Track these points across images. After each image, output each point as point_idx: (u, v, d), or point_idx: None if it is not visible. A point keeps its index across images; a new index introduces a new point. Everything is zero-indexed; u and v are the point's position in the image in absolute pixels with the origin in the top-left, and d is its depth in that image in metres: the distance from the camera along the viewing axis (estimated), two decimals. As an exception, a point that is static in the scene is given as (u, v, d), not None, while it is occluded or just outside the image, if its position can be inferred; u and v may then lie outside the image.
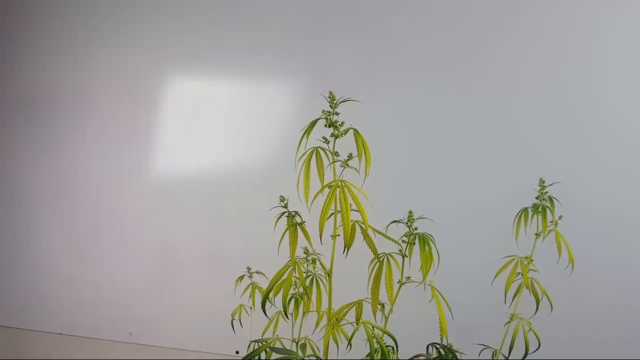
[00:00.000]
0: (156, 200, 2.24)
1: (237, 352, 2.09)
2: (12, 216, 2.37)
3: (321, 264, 1.27)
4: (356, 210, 1.10)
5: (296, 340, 1.31)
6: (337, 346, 1.16)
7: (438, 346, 1.33)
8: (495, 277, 1.21)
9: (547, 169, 1.82)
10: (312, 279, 1.26)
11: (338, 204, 1.00)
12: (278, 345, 1.37)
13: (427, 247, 1.01)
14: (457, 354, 1.34)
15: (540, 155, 1.94)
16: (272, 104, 2.12)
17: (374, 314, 1.05)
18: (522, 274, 1.18)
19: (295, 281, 1.31)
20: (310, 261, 1.19)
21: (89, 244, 2.32)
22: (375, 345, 1.03)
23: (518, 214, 1.23)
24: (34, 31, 2.30)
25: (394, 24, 2.04)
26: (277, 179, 1.90)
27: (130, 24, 2.23)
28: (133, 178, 2.25)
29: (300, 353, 1.18)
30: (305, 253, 1.31)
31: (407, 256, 1.06)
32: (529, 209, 1.22)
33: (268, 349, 1.21)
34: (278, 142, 2.09)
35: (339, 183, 0.97)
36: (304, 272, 1.29)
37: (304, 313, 1.31)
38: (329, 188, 0.97)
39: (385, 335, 1.10)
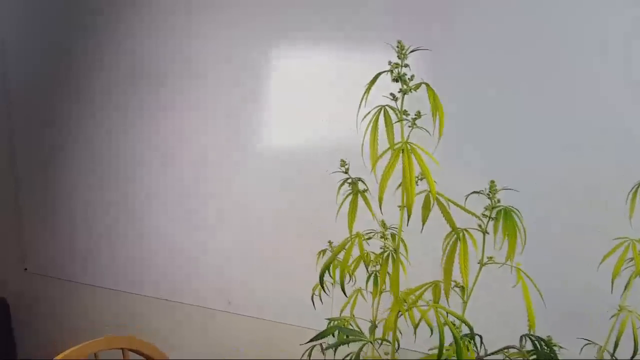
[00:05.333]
0: (260, 169, 2.20)
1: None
2: (123, 183, 2.47)
3: (401, 240, 1.16)
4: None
5: (372, 321, 1.21)
6: (415, 332, 1.04)
7: (533, 338, 1.16)
8: (601, 262, 1.02)
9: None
10: (387, 255, 1.14)
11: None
12: (352, 325, 1.29)
13: (509, 222, 0.86)
14: (556, 347, 1.17)
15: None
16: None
17: (447, 296, 0.91)
18: (634, 259, 0.98)
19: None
20: (381, 235, 1.07)
21: (195, 212, 2.35)
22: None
23: (633, 188, 1.02)
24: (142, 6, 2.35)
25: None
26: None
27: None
28: (238, 146, 2.22)
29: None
30: (382, 227, 1.20)
31: (487, 233, 0.91)
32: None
33: (339, 330, 1.13)
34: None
35: (405, 146, 0.84)
36: (381, 248, 1.18)
37: (380, 292, 1.20)
38: (392, 151, 0.84)
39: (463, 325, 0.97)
